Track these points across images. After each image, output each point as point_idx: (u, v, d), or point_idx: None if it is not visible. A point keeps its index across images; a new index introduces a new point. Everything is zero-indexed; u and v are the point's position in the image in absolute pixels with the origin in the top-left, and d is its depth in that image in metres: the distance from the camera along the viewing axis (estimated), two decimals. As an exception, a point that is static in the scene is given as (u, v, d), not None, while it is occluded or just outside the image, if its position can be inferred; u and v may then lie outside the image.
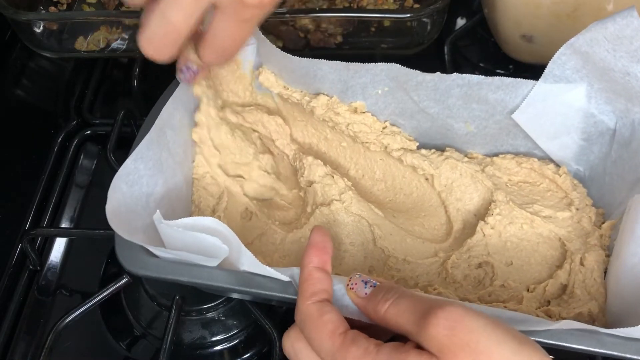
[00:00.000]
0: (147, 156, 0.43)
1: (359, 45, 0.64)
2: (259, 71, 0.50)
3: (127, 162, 0.42)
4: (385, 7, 0.67)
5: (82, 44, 0.65)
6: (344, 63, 0.48)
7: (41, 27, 0.64)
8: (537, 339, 0.36)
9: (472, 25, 0.69)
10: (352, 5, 0.67)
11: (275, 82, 0.50)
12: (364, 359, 0.32)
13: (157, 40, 0.39)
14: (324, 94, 0.50)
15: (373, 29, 0.64)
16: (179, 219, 0.38)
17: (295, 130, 0.53)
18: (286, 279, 0.39)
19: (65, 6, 0.69)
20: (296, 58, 0.48)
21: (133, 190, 0.42)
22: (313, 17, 0.62)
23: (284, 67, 0.49)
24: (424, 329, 0.32)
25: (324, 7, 0.67)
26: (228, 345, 0.52)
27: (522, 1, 0.58)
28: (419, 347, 0.32)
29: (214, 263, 0.40)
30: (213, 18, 0.40)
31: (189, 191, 0.49)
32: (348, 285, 0.37)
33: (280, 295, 0.39)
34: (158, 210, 0.38)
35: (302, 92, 0.51)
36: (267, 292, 0.39)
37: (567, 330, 0.37)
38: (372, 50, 0.64)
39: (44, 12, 0.68)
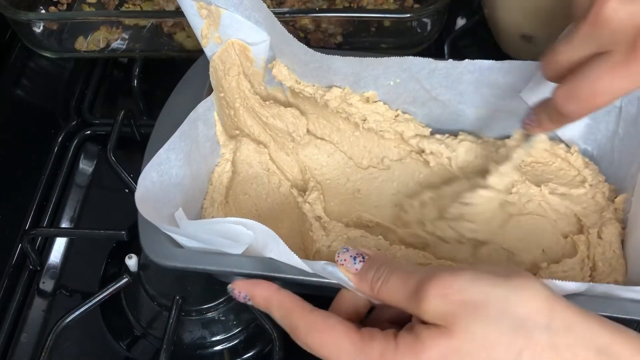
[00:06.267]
0: (179, 147, 0.44)
1: (359, 45, 0.64)
2: (272, 64, 0.50)
3: (161, 151, 0.42)
4: (385, 7, 0.67)
5: (82, 44, 0.65)
6: (357, 58, 0.48)
7: (41, 27, 0.64)
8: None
9: (472, 25, 0.69)
10: (352, 5, 0.67)
11: (288, 76, 0.50)
12: (387, 353, 0.33)
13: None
14: (336, 86, 0.50)
15: (373, 29, 0.64)
16: (200, 220, 0.38)
17: (308, 123, 0.54)
18: (310, 271, 0.39)
19: (65, 6, 0.69)
20: (311, 50, 0.48)
21: (163, 179, 0.42)
22: (313, 17, 0.62)
23: (297, 59, 0.49)
24: (419, 305, 0.33)
25: (324, 7, 0.66)
26: (228, 345, 0.52)
27: (522, 1, 0.58)
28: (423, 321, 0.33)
29: (239, 250, 0.40)
30: (592, 60, 0.36)
31: (206, 186, 0.49)
32: (337, 261, 0.37)
33: (311, 279, 0.39)
34: (180, 208, 0.39)
35: (314, 85, 0.51)
36: (295, 277, 0.39)
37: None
38: (372, 50, 0.64)
39: (44, 12, 0.68)
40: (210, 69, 0.49)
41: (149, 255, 0.41)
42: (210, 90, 0.49)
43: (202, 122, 0.47)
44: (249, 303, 0.39)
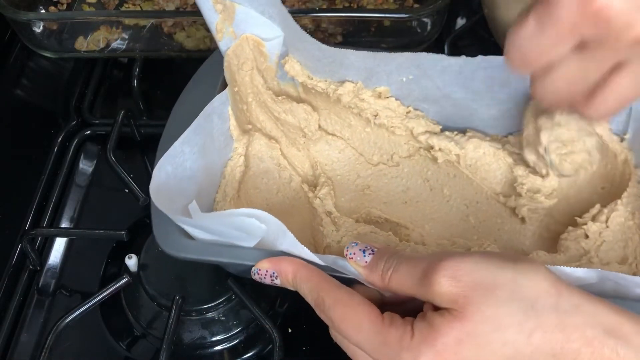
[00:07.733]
0: (194, 141, 0.44)
1: (359, 45, 0.63)
2: (284, 60, 0.50)
3: (176, 144, 0.42)
4: (385, 7, 0.67)
5: (82, 44, 0.65)
6: (370, 52, 0.49)
7: (41, 27, 0.64)
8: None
9: (472, 25, 0.69)
10: (352, 5, 0.67)
11: (301, 71, 0.51)
12: (404, 340, 0.33)
13: (519, 56, 0.36)
14: (349, 80, 0.51)
15: (373, 29, 0.64)
16: (214, 212, 0.38)
17: (320, 119, 0.54)
18: (323, 263, 0.39)
19: (65, 6, 0.69)
20: (324, 46, 0.49)
21: (177, 172, 0.42)
22: (313, 17, 0.62)
23: (310, 55, 0.49)
24: (430, 289, 0.33)
25: (324, 7, 0.67)
26: (228, 345, 0.52)
27: (522, 1, 0.58)
28: (435, 307, 0.34)
29: (251, 243, 0.40)
30: (616, 70, 0.35)
31: (219, 179, 0.49)
32: (347, 255, 0.38)
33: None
34: (194, 201, 0.39)
35: (326, 81, 0.51)
36: None
37: None
38: (372, 50, 0.63)
39: (44, 12, 0.68)
40: (225, 64, 0.49)
41: (161, 247, 0.41)
42: (222, 85, 0.49)
43: (217, 115, 0.47)
44: (276, 282, 0.39)
